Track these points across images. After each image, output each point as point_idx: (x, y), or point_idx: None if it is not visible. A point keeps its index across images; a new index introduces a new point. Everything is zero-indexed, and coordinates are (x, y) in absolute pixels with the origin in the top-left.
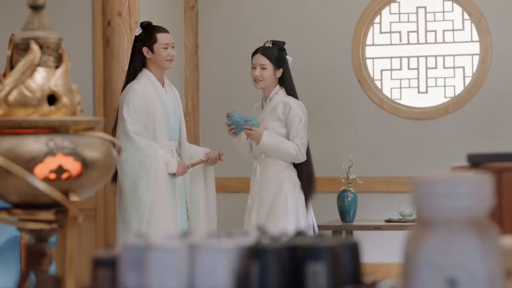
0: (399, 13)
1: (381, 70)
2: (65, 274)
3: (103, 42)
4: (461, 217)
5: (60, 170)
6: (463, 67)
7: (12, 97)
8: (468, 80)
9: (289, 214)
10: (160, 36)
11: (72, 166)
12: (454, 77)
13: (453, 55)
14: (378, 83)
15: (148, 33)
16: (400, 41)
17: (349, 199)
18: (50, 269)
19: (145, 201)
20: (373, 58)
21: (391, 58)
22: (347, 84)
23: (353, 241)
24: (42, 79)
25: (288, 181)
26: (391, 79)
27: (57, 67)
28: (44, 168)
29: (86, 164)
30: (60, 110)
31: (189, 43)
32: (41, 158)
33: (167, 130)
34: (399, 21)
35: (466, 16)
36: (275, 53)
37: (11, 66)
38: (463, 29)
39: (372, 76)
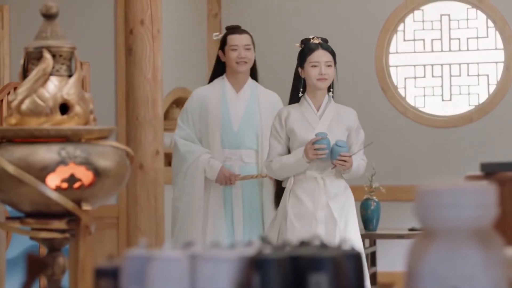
0: (423, 21)
1: (405, 78)
2: (78, 283)
3: (125, 50)
4: (464, 227)
5: (72, 179)
6: (487, 75)
7: (24, 106)
8: (492, 88)
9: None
10: (229, 38)
11: (84, 175)
12: (478, 85)
13: (477, 63)
14: (401, 91)
15: (224, 36)
16: (424, 48)
17: (372, 207)
18: (62, 278)
19: (178, 206)
20: (396, 66)
21: (414, 66)
22: (370, 92)
23: (356, 252)
24: (54, 88)
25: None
26: (415, 87)
27: (70, 75)
28: (56, 177)
29: (98, 173)
30: (72, 119)
31: (211, 51)
32: (53, 167)
33: (226, 137)
34: (423, 29)
35: (490, 24)
36: (332, 49)
37: (24, 75)
38: (487, 36)
39: (395, 84)
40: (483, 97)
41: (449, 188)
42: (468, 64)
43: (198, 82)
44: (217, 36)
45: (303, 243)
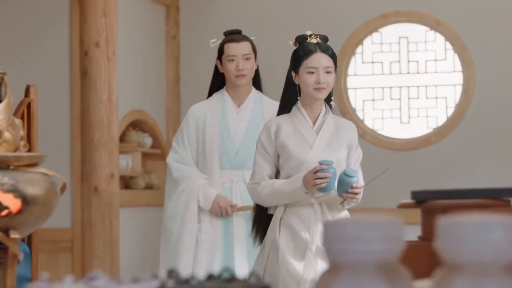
0: (381, 43)
1: (363, 101)
2: None
3: (80, 72)
4: (369, 261)
5: None
6: (446, 98)
7: None
8: (450, 111)
9: None
10: (226, 46)
11: (12, 203)
12: (436, 107)
13: (436, 85)
14: (360, 114)
15: (221, 43)
16: (382, 71)
17: None
18: None
19: (171, 228)
20: (355, 88)
21: (373, 88)
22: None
23: (265, 284)
24: None
25: None
26: (373, 109)
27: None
28: None
29: (26, 200)
30: (1, 146)
31: (170, 73)
32: None
33: (227, 157)
34: (381, 51)
35: (449, 46)
36: (333, 51)
37: None
38: (445, 59)
39: (354, 106)
40: (441, 120)
41: (353, 221)
42: (426, 86)
43: (155, 104)
44: (214, 42)
45: (211, 276)
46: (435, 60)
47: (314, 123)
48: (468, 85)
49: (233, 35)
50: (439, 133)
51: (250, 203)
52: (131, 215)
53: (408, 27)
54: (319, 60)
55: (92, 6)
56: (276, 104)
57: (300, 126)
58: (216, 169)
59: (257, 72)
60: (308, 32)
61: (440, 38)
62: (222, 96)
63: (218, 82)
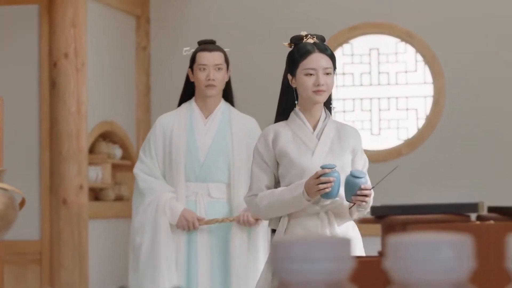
0: (352, 55)
1: (334, 112)
2: None
3: (49, 83)
4: (318, 281)
5: None
6: (416, 109)
7: None
8: (421, 122)
9: None
10: (198, 55)
11: None
12: (407, 119)
13: (406, 97)
14: None
15: (194, 52)
16: (353, 82)
17: None
18: None
19: (139, 243)
20: None
21: (343, 99)
22: None
23: None
24: None
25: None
26: (344, 121)
27: None
28: None
29: None
30: None
31: (141, 84)
32: None
33: (192, 169)
34: (352, 63)
35: (419, 58)
36: (331, 51)
37: None
38: (416, 70)
39: None
40: (412, 132)
41: (301, 241)
42: (397, 98)
43: (126, 115)
44: (187, 51)
45: None
46: (406, 71)
47: (314, 128)
48: (438, 96)
49: (206, 45)
50: (410, 145)
51: (216, 216)
52: (101, 227)
53: (378, 39)
54: (318, 60)
55: (61, 17)
56: (245, 118)
57: (299, 132)
58: (182, 181)
59: (228, 84)
60: (304, 32)
61: (410, 49)
62: (190, 106)
63: (189, 92)
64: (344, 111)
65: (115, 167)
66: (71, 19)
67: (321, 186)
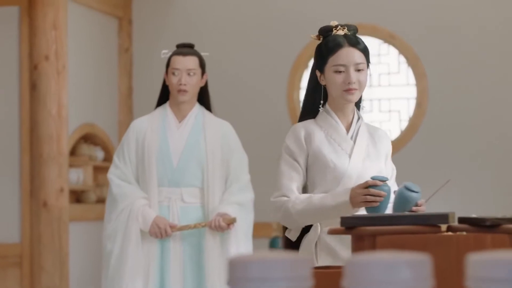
0: None
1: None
2: None
3: (29, 86)
4: None
5: None
6: (399, 111)
7: None
8: (404, 124)
9: None
10: (172, 59)
11: None
12: (389, 121)
13: (389, 99)
14: None
15: (169, 56)
16: None
17: (280, 245)
18: None
19: (111, 249)
20: None
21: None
22: (282, 128)
23: None
24: None
25: None
26: None
27: None
28: None
29: None
30: None
31: (123, 86)
32: None
33: (165, 173)
34: None
35: (402, 59)
36: (363, 43)
37: None
38: (399, 72)
39: None
40: (395, 134)
41: (259, 260)
42: (379, 100)
43: (108, 117)
44: (165, 54)
45: None
46: (389, 73)
47: (347, 130)
48: (421, 98)
49: (182, 49)
50: (393, 147)
51: (189, 221)
52: (82, 230)
53: None
54: (349, 55)
55: (42, 19)
56: (219, 122)
57: (333, 132)
58: (154, 186)
59: (205, 89)
60: (334, 23)
61: (393, 51)
62: (164, 110)
63: (165, 95)
64: None
65: (97, 169)
66: (52, 21)
67: (369, 198)
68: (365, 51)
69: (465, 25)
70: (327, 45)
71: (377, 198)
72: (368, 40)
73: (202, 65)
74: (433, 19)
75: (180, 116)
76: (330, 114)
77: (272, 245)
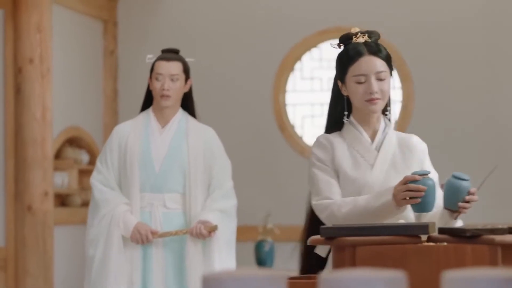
0: (321, 59)
1: (302, 117)
2: None
3: (14, 89)
4: None
5: None
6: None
7: None
8: None
9: None
10: (156, 64)
11: None
12: None
13: None
14: (299, 130)
15: (154, 61)
16: (322, 87)
17: (266, 249)
18: None
19: (93, 255)
20: (294, 105)
21: (312, 104)
22: (267, 131)
23: None
24: None
25: None
26: (313, 126)
27: None
28: None
29: None
30: None
31: (108, 88)
32: None
33: (148, 179)
34: (321, 67)
35: None
36: (385, 50)
37: None
38: None
39: (292, 123)
40: None
41: (233, 277)
42: None
43: (93, 120)
44: (150, 58)
45: None
46: None
47: (372, 140)
48: (407, 101)
49: (166, 54)
50: None
51: (171, 228)
52: (67, 233)
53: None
54: (369, 64)
55: (26, 22)
56: (202, 127)
57: (356, 144)
58: (136, 192)
59: (189, 94)
60: (354, 29)
61: None
62: (147, 116)
63: (149, 100)
64: (312, 116)
65: (82, 172)
66: (37, 24)
67: (409, 194)
68: (387, 59)
69: (450, 28)
70: (347, 54)
71: (417, 193)
72: None
73: (186, 70)
74: (418, 21)
75: (163, 121)
76: (354, 125)
77: (258, 249)
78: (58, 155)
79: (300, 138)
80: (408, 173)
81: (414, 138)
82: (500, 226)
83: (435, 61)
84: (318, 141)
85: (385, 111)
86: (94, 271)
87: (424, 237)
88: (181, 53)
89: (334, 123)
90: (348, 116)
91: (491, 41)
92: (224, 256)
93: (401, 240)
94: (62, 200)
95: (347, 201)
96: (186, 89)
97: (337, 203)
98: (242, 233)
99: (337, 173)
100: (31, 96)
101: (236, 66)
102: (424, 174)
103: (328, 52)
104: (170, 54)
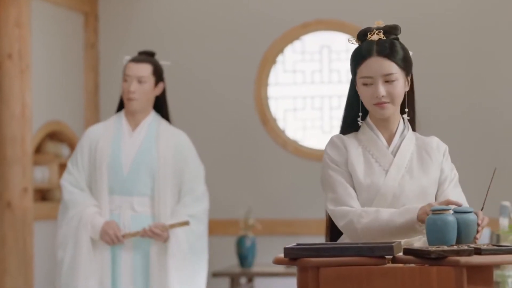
0: (303, 52)
1: (284, 110)
2: None
3: None
4: None
5: None
6: None
7: None
8: None
9: None
10: (126, 66)
11: None
12: None
13: None
14: (281, 124)
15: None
16: (304, 80)
17: (247, 244)
18: None
19: (62, 257)
20: (276, 98)
21: (294, 97)
22: (249, 124)
23: None
24: None
25: None
26: (295, 119)
27: None
28: None
29: None
30: None
31: (89, 82)
32: None
33: (117, 182)
34: (303, 60)
35: None
36: (401, 50)
37: None
38: None
39: (274, 116)
40: None
41: None
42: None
43: (74, 115)
44: (126, 60)
45: None
46: None
47: (389, 143)
48: None
49: (138, 55)
50: None
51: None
52: (48, 228)
53: (330, 36)
54: (375, 66)
55: (4, 17)
56: (174, 131)
57: (372, 147)
58: (105, 194)
59: (162, 97)
60: (379, 23)
61: None
62: (119, 118)
63: (123, 102)
64: (295, 109)
65: (63, 167)
66: (15, 19)
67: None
68: (402, 60)
69: (435, 21)
70: (357, 53)
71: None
72: (336, 36)
73: (156, 73)
74: (402, 15)
75: (134, 124)
76: (370, 127)
77: (239, 244)
78: (38, 150)
79: (283, 131)
80: (424, 179)
81: (434, 140)
82: (466, 247)
83: (418, 55)
84: (332, 141)
85: (402, 111)
86: (63, 273)
87: (389, 258)
88: (163, 47)
89: (351, 123)
90: (364, 117)
91: (482, 41)
92: (181, 260)
93: (366, 261)
94: (42, 195)
95: (368, 211)
96: (157, 92)
97: (357, 213)
98: (224, 227)
99: (350, 176)
100: (10, 93)
101: (218, 59)
102: (445, 209)
103: (311, 45)
104: (142, 56)
